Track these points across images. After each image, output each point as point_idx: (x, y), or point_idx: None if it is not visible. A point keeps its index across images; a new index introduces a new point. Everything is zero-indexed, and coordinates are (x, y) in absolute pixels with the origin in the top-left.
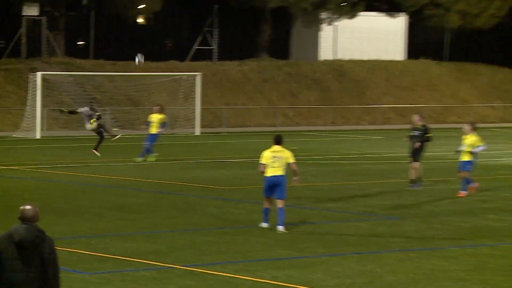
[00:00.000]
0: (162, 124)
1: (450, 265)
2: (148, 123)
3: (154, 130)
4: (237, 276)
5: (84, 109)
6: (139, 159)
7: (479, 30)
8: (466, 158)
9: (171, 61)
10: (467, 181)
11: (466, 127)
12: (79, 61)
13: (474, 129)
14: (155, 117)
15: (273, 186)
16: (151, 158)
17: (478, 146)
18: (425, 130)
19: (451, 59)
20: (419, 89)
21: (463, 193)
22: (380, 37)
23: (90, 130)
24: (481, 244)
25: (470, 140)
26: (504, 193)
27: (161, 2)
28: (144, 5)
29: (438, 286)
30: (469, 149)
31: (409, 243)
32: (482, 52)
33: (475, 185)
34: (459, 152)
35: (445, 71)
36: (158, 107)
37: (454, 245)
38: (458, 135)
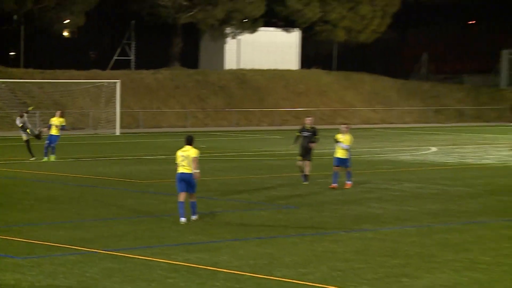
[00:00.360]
0: (62, 127)
1: (338, 248)
2: (49, 126)
3: (54, 131)
4: (153, 259)
5: (20, 120)
6: (45, 158)
7: (362, 44)
8: (341, 155)
9: (94, 70)
10: (348, 174)
11: (344, 127)
12: (10, 69)
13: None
14: (56, 120)
15: (183, 182)
16: (52, 157)
17: (346, 144)
18: (313, 132)
19: (339, 68)
20: (311, 95)
21: (349, 183)
22: (277, 49)
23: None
24: (365, 229)
25: (346, 138)
26: (384, 185)
27: (84, 17)
28: (69, 20)
29: (328, 266)
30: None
31: (303, 229)
32: (365, 63)
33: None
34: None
35: (334, 79)
36: (60, 111)
37: (342, 230)
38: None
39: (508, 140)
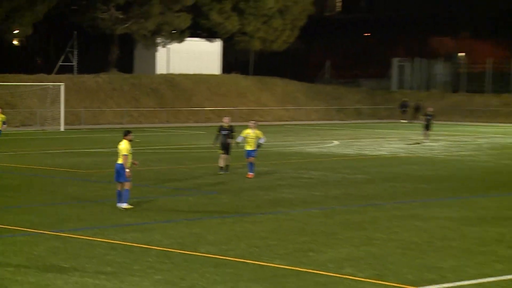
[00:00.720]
0: (4, 122)
1: (255, 228)
2: None
3: None
4: (94, 239)
5: None
6: None
7: (275, 52)
8: (251, 147)
9: (41, 74)
10: (251, 165)
11: (252, 123)
12: None
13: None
14: None
15: (116, 171)
16: None
17: (261, 138)
18: (231, 130)
19: (255, 74)
20: (231, 96)
21: (251, 174)
22: (201, 56)
23: None
24: (278, 211)
25: (255, 133)
26: (294, 174)
27: (32, 28)
28: (18, 31)
29: (246, 243)
30: (254, 141)
31: (225, 212)
32: (277, 69)
33: (251, 173)
34: (239, 143)
35: (251, 83)
36: (0, 109)
37: (258, 212)
38: (262, 131)
39: (398, 135)
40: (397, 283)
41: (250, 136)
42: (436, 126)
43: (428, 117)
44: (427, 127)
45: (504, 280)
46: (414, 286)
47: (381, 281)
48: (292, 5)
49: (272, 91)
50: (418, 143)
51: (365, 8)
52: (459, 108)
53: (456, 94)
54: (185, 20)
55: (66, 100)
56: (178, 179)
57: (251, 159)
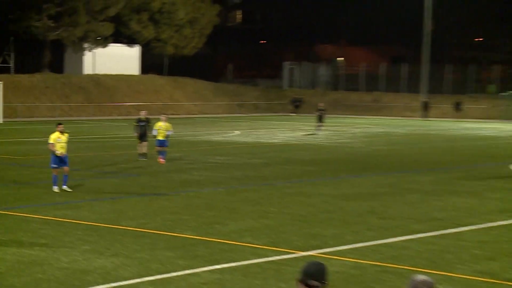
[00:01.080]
0: None
1: (169, 204)
2: None
3: None
4: (30, 215)
5: None
6: None
7: (185, 56)
8: (162, 137)
9: None
10: (163, 153)
11: (163, 117)
12: None
13: (167, 119)
14: None
15: (60, 159)
16: None
17: (169, 130)
18: (147, 121)
19: (169, 74)
20: (148, 93)
21: (162, 160)
22: (123, 59)
23: None
24: (189, 190)
25: (165, 126)
26: (202, 159)
27: None
28: None
29: (161, 217)
30: (164, 132)
31: (143, 191)
32: (188, 70)
33: (162, 159)
34: (155, 134)
35: (165, 82)
36: None
37: (172, 191)
38: (174, 123)
39: (289, 126)
40: (288, 249)
41: (161, 128)
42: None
43: (321, 111)
44: (320, 119)
45: (374, 244)
46: (301, 251)
47: (275, 247)
48: (200, 17)
49: (183, 89)
50: (313, 134)
51: (260, 20)
52: (339, 103)
53: (336, 92)
54: (108, 29)
55: (5, 97)
56: (103, 164)
57: (162, 148)
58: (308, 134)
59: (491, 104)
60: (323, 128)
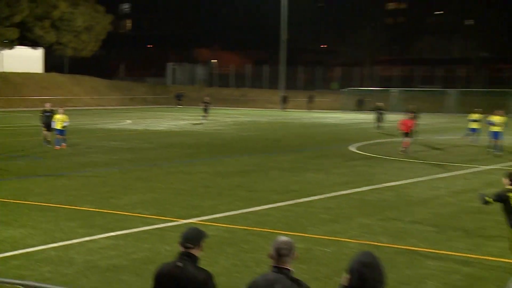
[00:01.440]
0: None
1: (71, 183)
2: None
3: None
4: None
5: None
6: None
7: (84, 57)
8: (59, 127)
9: None
10: (62, 140)
11: (60, 110)
12: None
13: (64, 111)
14: None
15: None
16: None
17: (66, 122)
18: (51, 112)
19: (69, 72)
20: (51, 88)
21: (57, 147)
22: (28, 60)
23: None
24: (87, 171)
25: (62, 118)
26: (98, 144)
27: None
28: None
29: (64, 194)
30: (61, 123)
31: (48, 172)
32: (86, 69)
33: (58, 146)
34: (53, 126)
35: (66, 79)
36: None
37: (72, 171)
38: (74, 114)
39: (172, 116)
40: (172, 218)
41: (59, 119)
42: (198, 110)
43: (206, 104)
44: (205, 110)
45: (243, 212)
46: (183, 219)
47: (161, 217)
48: (95, 24)
49: (82, 85)
50: (200, 123)
51: (147, 27)
52: (213, 97)
53: (211, 88)
54: (14, 33)
55: None
56: (12, 150)
57: (59, 136)
58: (195, 124)
59: (334, 97)
60: (208, 117)
